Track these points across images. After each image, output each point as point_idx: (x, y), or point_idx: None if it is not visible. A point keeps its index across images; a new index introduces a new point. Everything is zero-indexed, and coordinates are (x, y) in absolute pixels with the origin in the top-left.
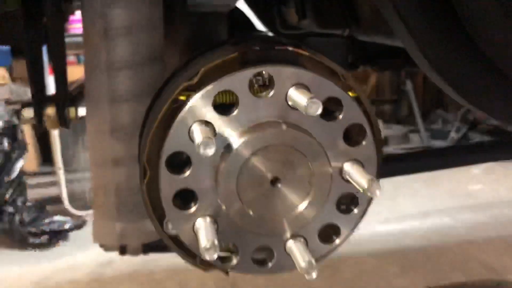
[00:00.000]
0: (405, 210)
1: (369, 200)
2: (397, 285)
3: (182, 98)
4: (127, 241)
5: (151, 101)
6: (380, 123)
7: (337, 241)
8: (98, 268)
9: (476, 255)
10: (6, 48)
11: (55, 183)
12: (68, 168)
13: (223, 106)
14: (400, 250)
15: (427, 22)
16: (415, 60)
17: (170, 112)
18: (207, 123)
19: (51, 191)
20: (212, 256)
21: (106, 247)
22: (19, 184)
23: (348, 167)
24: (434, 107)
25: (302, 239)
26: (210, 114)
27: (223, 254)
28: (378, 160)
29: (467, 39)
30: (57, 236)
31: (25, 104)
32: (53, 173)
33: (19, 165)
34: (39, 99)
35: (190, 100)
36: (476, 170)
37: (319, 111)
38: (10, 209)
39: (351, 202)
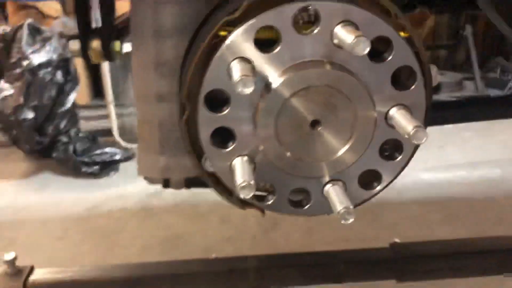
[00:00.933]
0: (453, 159)
1: (415, 148)
2: (439, 234)
3: (222, 33)
4: (170, 174)
5: (192, 36)
6: (434, 69)
7: (378, 187)
8: (146, 198)
9: None
10: None
11: (106, 116)
12: (118, 102)
13: (265, 44)
14: (445, 199)
15: None
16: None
17: (210, 48)
18: (247, 61)
19: (102, 124)
20: (247, 194)
21: (150, 180)
22: (72, 116)
23: (394, 112)
24: (493, 55)
25: (340, 183)
26: (251, 51)
27: (259, 193)
28: (427, 106)
29: None
30: (108, 166)
31: (72, 37)
32: (104, 106)
33: (72, 97)
34: (85, 32)
35: (230, 36)
36: None
37: (367, 50)
38: (64, 139)
39: (395, 148)
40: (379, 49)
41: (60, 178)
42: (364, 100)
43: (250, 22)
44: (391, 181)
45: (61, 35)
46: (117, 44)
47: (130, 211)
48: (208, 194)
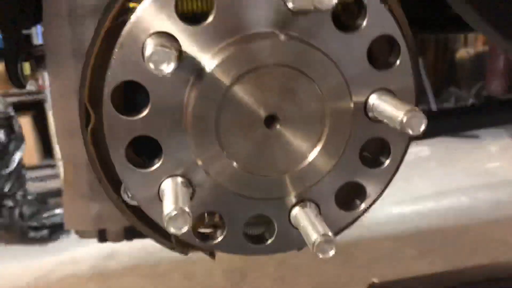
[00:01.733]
0: (421, 190)
1: (406, 146)
2: (416, 269)
3: (132, 4)
4: (105, 224)
5: (99, 20)
6: None
7: (362, 205)
8: (100, 261)
9: (498, 235)
10: None
11: (57, 176)
12: None
13: (194, 19)
14: (417, 232)
15: None
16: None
17: (116, 27)
18: (168, 37)
19: (52, 184)
20: (179, 228)
21: (82, 233)
22: (18, 177)
23: (375, 99)
24: (446, 84)
25: (313, 205)
26: (172, 23)
27: (204, 230)
28: (416, 87)
29: None
30: (58, 229)
31: None
32: (54, 166)
33: (17, 157)
34: None
35: (142, 3)
36: (493, 147)
37: (334, 0)
38: (9, 203)
39: (380, 151)
40: (346, 22)
41: (5, 247)
42: (335, 84)
43: None
44: (378, 197)
45: (5, 94)
46: (26, 66)
47: (84, 277)
48: (167, 250)
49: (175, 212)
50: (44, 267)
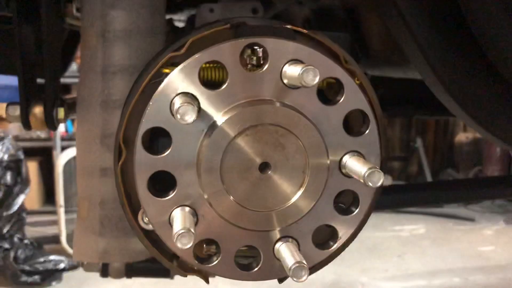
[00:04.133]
0: (413, 268)
1: (372, 200)
2: None
3: (166, 70)
4: (109, 259)
5: (136, 78)
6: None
7: (334, 246)
8: None
9: None
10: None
11: (56, 222)
12: (70, 207)
13: (214, 85)
14: None
15: (440, 40)
16: (429, 85)
17: (152, 86)
18: (191, 96)
19: (50, 230)
20: (185, 244)
21: (87, 267)
22: (18, 220)
23: (348, 158)
24: (444, 166)
25: (294, 241)
26: (195, 87)
27: (203, 254)
28: (381, 154)
29: (484, 62)
30: (51, 275)
31: (12, 103)
32: (54, 212)
33: (20, 200)
34: (27, 96)
35: (174, 70)
36: (488, 231)
37: (317, 79)
38: (6, 244)
39: (351, 201)
40: (330, 94)
41: None
42: (316, 143)
43: (195, 56)
44: (349, 241)
45: (16, 138)
46: (61, 111)
47: None
48: None
49: (183, 231)
50: None
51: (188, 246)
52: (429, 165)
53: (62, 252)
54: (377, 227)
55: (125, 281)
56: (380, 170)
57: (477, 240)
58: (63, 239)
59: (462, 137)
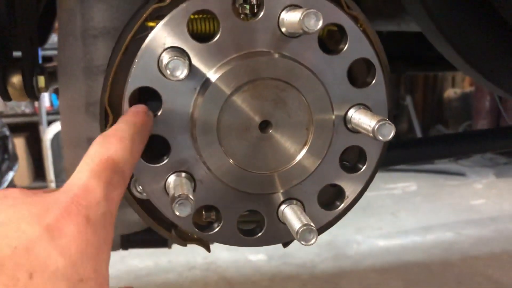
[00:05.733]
0: (407, 224)
1: (380, 155)
2: None
3: (151, 24)
4: None
5: (119, 35)
6: None
7: (341, 206)
8: None
9: (482, 270)
10: None
11: None
12: (60, 183)
13: (203, 37)
14: (403, 265)
15: None
16: (427, 35)
17: (136, 42)
18: (180, 51)
19: None
20: (184, 212)
21: None
22: None
23: (354, 112)
24: (434, 123)
25: (298, 203)
26: (185, 41)
27: (202, 221)
28: (389, 105)
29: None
30: None
31: None
32: (45, 187)
33: (9, 177)
34: (4, 65)
35: (160, 23)
36: (478, 185)
37: (320, 23)
38: None
39: (358, 158)
40: (330, 46)
41: None
42: (319, 96)
43: (182, 5)
44: (356, 200)
45: (0, 115)
46: (41, 79)
47: None
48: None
49: (180, 198)
50: None
51: (187, 214)
52: (419, 122)
53: None
54: (369, 186)
55: (121, 252)
56: (390, 122)
57: (468, 194)
58: None
59: (450, 92)
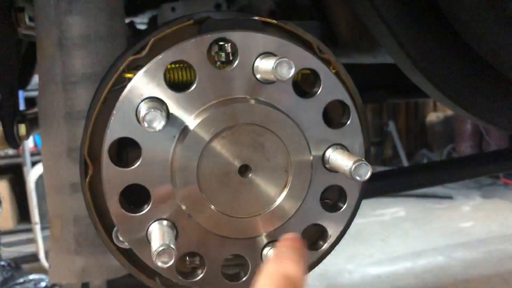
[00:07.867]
0: (398, 251)
1: (360, 194)
2: None
3: (128, 75)
4: (89, 277)
5: (97, 87)
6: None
7: (325, 245)
8: None
9: None
10: None
11: (32, 240)
12: (45, 224)
13: (180, 86)
14: None
15: (408, 17)
16: (399, 64)
17: (114, 94)
18: (158, 101)
19: (28, 249)
20: (166, 262)
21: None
22: None
23: (331, 152)
24: (418, 147)
25: None
26: (162, 91)
27: (186, 267)
28: (365, 143)
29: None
30: None
31: None
32: (30, 230)
33: None
34: None
35: (137, 74)
36: (466, 207)
37: (292, 71)
38: None
39: (338, 197)
40: (306, 87)
41: None
42: (296, 139)
43: (158, 57)
44: (339, 239)
45: None
46: (22, 127)
47: None
48: None
49: (162, 248)
50: None
51: (169, 264)
52: (404, 147)
53: (41, 270)
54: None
55: None
56: (367, 163)
57: (456, 217)
58: (42, 256)
59: (433, 116)
